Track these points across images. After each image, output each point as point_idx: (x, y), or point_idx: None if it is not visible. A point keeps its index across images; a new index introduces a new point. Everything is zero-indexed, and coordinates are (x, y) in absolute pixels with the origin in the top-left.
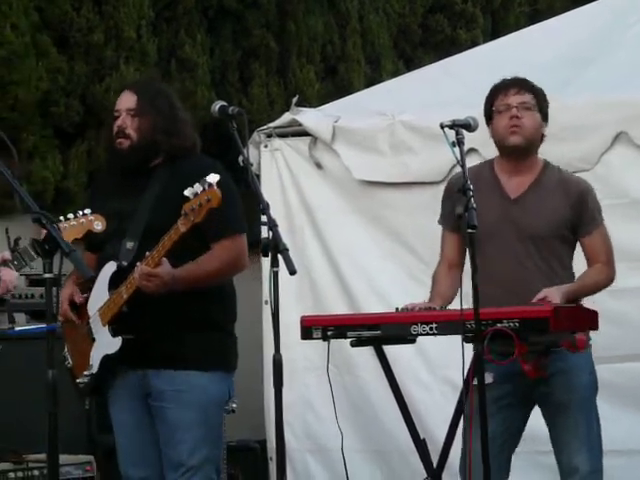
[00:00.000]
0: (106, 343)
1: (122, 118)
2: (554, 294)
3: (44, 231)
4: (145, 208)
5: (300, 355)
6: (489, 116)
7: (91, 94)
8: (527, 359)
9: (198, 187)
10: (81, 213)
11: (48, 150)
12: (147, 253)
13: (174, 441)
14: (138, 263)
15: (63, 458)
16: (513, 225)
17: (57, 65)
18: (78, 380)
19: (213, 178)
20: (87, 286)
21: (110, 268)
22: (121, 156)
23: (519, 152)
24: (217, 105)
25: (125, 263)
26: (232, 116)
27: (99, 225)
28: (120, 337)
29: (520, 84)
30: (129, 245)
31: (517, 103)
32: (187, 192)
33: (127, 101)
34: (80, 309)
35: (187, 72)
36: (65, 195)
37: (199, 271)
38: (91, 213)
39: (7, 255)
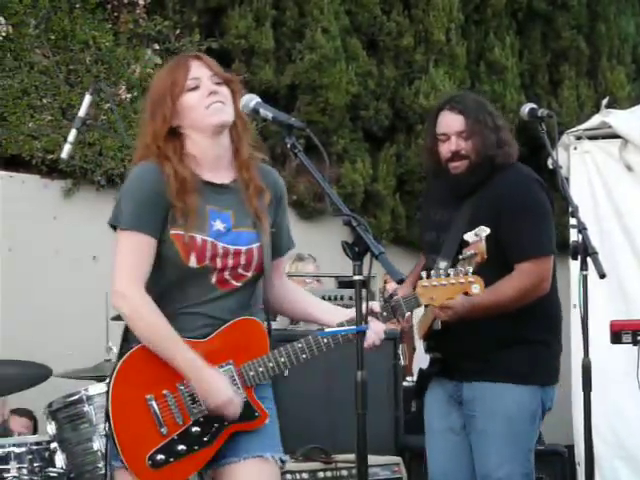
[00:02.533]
0: (421, 356)
1: (455, 142)
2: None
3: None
4: (459, 226)
5: (609, 360)
6: None
7: (400, 97)
8: None
9: (472, 236)
10: (462, 271)
11: (358, 153)
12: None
13: (482, 452)
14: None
15: (371, 459)
16: None
17: (367, 69)
18: (404, 383)
19: (484, 232)
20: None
21: None
22: (459, 178)
23: None
24: (526, 108)
25: (439, 325)
26: (541, 119)
27: (477, 288)
28: (430, 355)
29: None
30: (442, 265)
31: None
32: (466, 237)
33: (454, 124)
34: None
35: (496, 75)
36: (374, 198)
37: (497, 299)
38: (472, 274)
39: (376, 307)
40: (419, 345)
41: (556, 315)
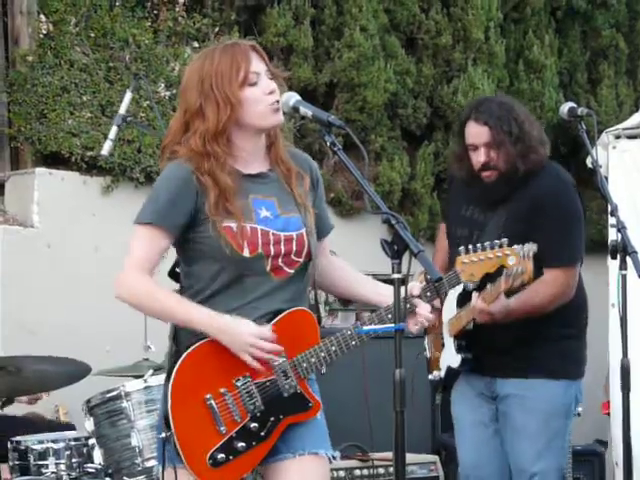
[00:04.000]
0: (451, 354)
1: (484, 153)
2: None
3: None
4: (495, 228)
5: None
6: None
7: (439, 96)
8: None
9: (520, 250)
10: (497, 244)
11: (395, 151)
12: (488, 286)
13: (518, 447)
14: (475, 294)
15: (409, 457)
16: None
17: (405, 67)
18: (430, 376)
19: (531, 248)
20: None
21: (459, 287)
22: (489, 187)
23: None
24: (566, 106)
25: (471, 286)
26: (581, 117)
27: (513, 260)
28: (461, 355)
29: None
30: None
31: None
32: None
33: (481, 135)
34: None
35: (535, 73)
36: (412, 196)
37: (532, 302)
38: (507, 244)
39: (416, 289)
40: (448, 342)
41: (584, 308)
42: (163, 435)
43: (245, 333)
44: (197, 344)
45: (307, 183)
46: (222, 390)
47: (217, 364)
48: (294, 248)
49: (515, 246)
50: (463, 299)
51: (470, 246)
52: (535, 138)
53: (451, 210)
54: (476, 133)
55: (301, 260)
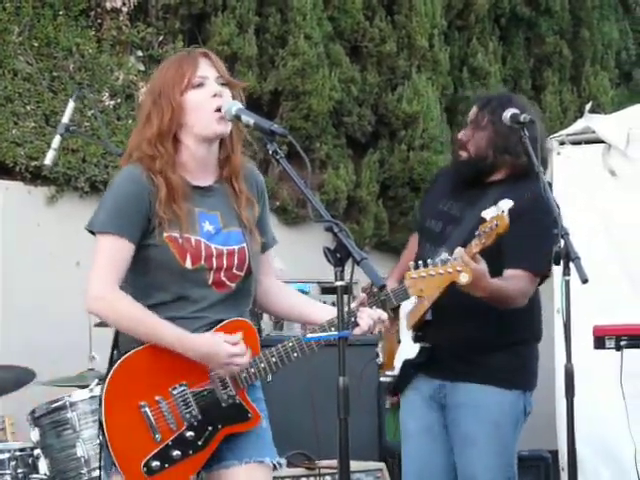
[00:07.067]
0: (408, 347)
1: (465, 131)
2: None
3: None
4: (469, 223)
5: (592, 365)
6: None
7: (383, 103)
8: None
9: (493, 211)
10: (442, 259)
11: (341, 159)
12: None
13: (467, 455)
14: (458, 248)
15: (355, 464)
16: None
17: (350, 75)
18: (381, 378)
19: (506, 204)
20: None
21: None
22: (456, 167)
23: None
24: (508, 113)
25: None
26: (523, 123)
27: (465, 277)
28: (419, 344)
29: None
30: (443, 256)
31: None
32: (484, 213)
33: (471, 112)
34: (395, 311)
35: (479, 80)
36: (357, 204)
37: (503, 289)
38: (455, 260)
39: (364, 298)
40: (405, 337)
41: (539, 319)
42: (99, 440)
43: (222, 353)
44: (134, 350)
45: (256, 210)
46: (157, 398)
47: (154, 371)
48: (235, 262)
49: (486, 210)
50: None
51: (420, 262)
52: (521, 144)
53: (428, 203)
54: (470, 112)
55: (242, 274)
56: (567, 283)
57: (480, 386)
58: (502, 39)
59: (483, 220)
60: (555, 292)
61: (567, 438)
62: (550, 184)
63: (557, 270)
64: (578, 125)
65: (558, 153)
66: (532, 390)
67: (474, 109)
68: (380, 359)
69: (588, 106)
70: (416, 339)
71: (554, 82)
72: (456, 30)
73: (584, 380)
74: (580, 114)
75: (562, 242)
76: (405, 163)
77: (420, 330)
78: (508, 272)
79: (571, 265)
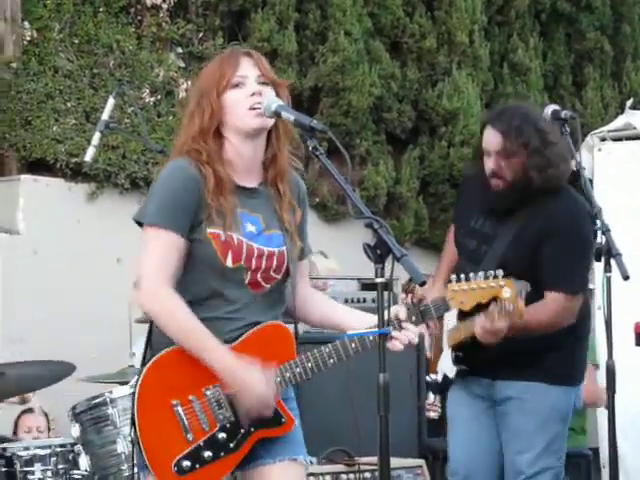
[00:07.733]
0: (448, 362)
1: (494, 160)
2: None
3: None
4: (503, 240)
5: (634, 362)
6: None
7: (423, 99)
8: None
9: (516, 285)
10: (492, 274)
11: (380, 156)
12: (491, 306)
13: (515, 448)
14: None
15: (394, 461)
16: None
17: (390, 71)
18: (427, 378)
19: (525, 287)
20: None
21: None
22: (496, 196)
23: None
24: (549, 109)
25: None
26: (565, 120)
27: (508, 292)
28: (457, 368)
29: None
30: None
31: None
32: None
33: (494, 143)
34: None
35: (520, 76)
36: (397, 200)
37: (532, 320)
38: (503, 277)
39: (402, 314)
40: (447, 351)
41: (588, 315)
42: (131, 437)
43: (256, 395)
44: (169, 349)
45: (298, 215)
46: (191, 397)
47: (188, 371)
48: (274, 264)
49: (512, 279)
50: (463, 313)
51: (462, 275)
52: (556, 153)
53: (462, 218)
54: (490, 140)
55: (278, 277)
56: (608, 280)
57: (529, 383)
58: (542, 35)
59: (516, 240)
60: (596, 289)
61: (608, 435)
62: (591, 180)
63: (598, 267)
64: (619, 121)
65: (599, 149)
66: (580, 383)
67: (497, 137)
68: (428, 353)
69: (629, 102)
70: (456, 361)
71: (595, 78)
72: (496, 26)
73: (625, 377)
74: (621, 110)
75: (603, 239)
76: (445, 159)
77: (460, 350)
78: (546, 294)
79: (612, 262)
